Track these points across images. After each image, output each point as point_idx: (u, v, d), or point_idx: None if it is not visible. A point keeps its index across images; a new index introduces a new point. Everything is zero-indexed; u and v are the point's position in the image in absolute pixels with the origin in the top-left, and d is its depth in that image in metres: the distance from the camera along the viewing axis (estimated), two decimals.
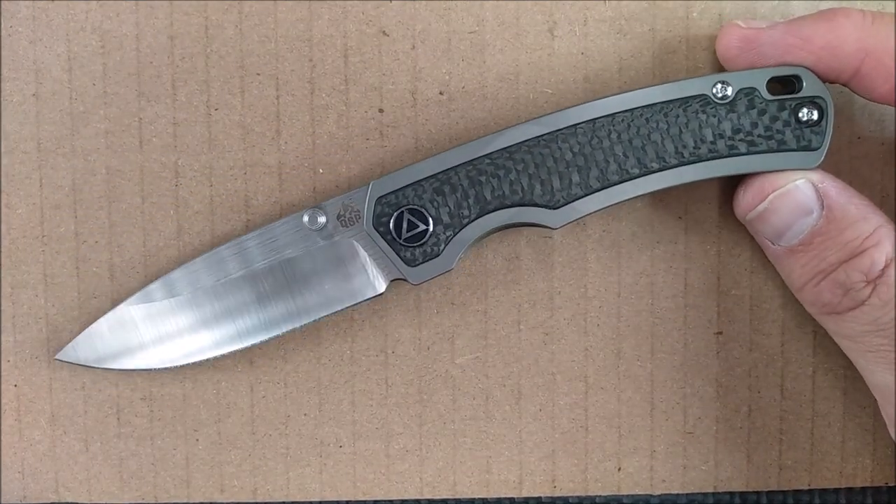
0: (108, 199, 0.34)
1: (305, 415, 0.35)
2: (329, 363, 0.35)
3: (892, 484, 0.35)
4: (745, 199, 0.32)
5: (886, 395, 0.31)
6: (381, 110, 0.34)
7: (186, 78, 0.34)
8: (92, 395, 0.35)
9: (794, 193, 0.31)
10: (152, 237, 0.34)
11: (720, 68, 0.33)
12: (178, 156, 0.34)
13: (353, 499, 0.35)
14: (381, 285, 0.32)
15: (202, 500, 0.35)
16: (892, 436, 0.31)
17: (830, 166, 0.31)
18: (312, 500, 0.35)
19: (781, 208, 0.31)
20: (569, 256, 0.35)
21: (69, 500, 0.35)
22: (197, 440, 0.35)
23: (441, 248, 0.32)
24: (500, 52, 0.34)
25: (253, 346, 0.33)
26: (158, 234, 0.34)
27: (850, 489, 0.35)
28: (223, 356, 0.33)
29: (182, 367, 0.33)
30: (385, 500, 0.35)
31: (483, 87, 0.34)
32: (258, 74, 0.34)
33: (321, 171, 0.34)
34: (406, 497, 0.35)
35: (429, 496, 0.35)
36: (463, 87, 0.34)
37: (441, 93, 0.34)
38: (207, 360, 0.33)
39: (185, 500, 0.35)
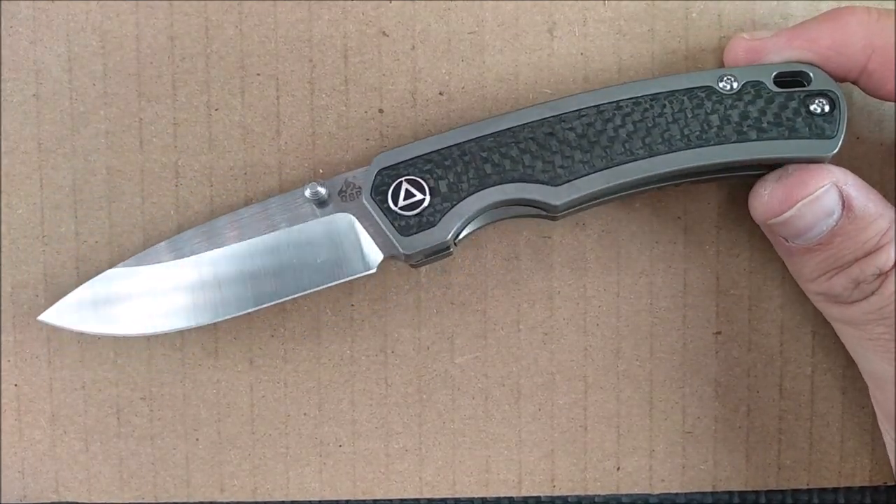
0: (109, 199, 0.34)
1: (305, 414, 0.35)
2: (329, 363, 0.35)
3: (890, 483, 0.35)
4: (771, 205, 0.31)
5: (881, 384, 0.31)
6: (380, 111, 0.34)
7: (186, 78, 0.34)
8: (92, 394, 0.35)
9: (822, 199, 0.30)
10: (152, 237, 0.34)
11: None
12: (178, 156, 0.34)
13: (352, 498, 0.35)
14: (374, 261, 0.31)
15: (202, 500, 0.35)
16: (881, 423, 0.31)
17: None
18: (312, 499, 0.35)
19: (807, 213, 0.30)
20: (568, 256, 0.35)
21: (69, 500, 0.35)
22: (197, 440, 0.35)
23: (437, 218, 0.31)
24: (499, 52, 0.34)
25: (245, 314, 0.32)
26: (158, 234, 0.34)
27: (848, 489, 0.35)
28: (214, 324, 0.32)
29: (174, 341, 0.32)
30: (385, 500, 0.35)
31: (483, 88, 0.34)
32: (258, 75, 0.34)
33: (321, 171, 0.34)
34: (406, 496, 0.35)
35: (428, 496, 0.35)
36: (463, 88, 0.34)
37: (441, 93, 0.34)
38: (193, 327, 0.32)
39: (185, 500, 0.35)
